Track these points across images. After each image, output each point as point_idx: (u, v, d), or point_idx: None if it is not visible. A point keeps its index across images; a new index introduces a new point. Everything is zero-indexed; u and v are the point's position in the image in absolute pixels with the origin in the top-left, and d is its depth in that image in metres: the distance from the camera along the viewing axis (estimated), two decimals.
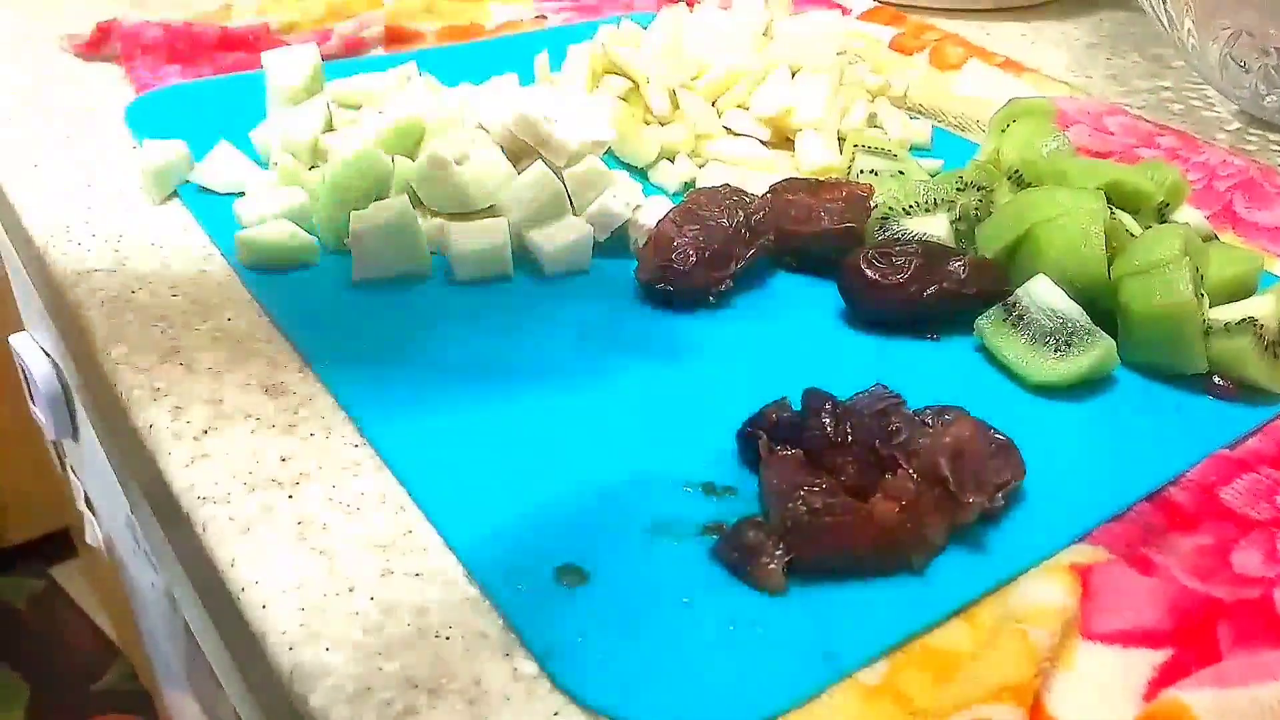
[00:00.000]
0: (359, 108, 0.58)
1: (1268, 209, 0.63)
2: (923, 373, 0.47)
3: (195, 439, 0.41)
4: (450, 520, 0.38)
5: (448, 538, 0.38)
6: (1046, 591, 0.36)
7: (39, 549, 1.59)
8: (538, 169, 0.52)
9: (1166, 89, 0.79)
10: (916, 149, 0.66)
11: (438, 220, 0.52)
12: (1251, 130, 0.74)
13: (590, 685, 0.33)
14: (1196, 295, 0.46)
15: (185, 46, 0.71)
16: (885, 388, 0.42)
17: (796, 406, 0.42)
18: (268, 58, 0.59)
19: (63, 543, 1.54)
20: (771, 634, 0.35)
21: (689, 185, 0.60)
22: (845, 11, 0.86)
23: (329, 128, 0.57)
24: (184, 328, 0.47)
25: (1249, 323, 0.46)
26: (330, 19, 0.78)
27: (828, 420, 0.39)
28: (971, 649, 0.35)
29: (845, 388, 0.42)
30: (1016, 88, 0.75)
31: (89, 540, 0.94)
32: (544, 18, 0.83)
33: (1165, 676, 0.34)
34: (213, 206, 0.56)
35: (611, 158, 0.61)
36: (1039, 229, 0.48)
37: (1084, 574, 0.37)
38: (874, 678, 0.34)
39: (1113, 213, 0.50)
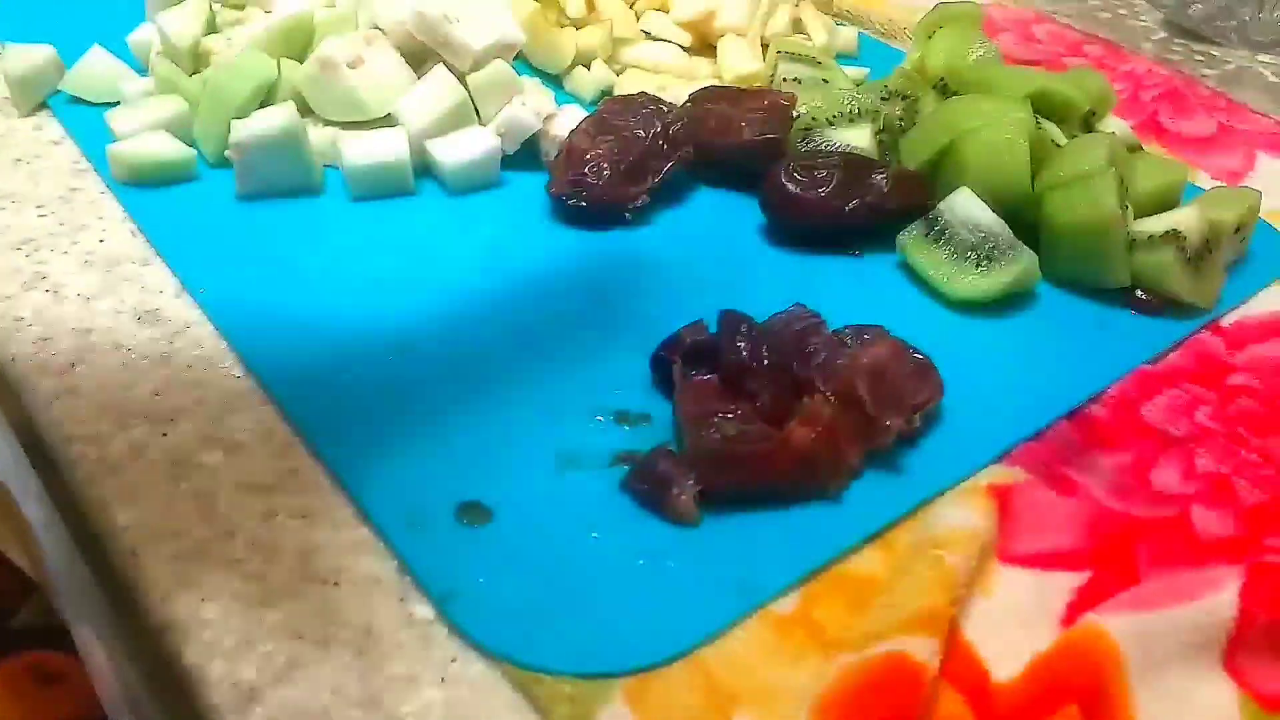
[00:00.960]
0: (244, 7, 0.53)
1: (1191, 120, 0.62)
2: (844, 290, 0.46)
3: (60, 373, 0.38)
4: (342, 457, 0.36)
5: (340, 476, 0.35)
6: (963, 515, 0.35)
7: None
8: (439, 74, 0.48)
9: None
10: (842, 57, 0.63)
11: (330, 130, 0.49)
12: (1176, 41, 0.73)
13: (491, 628, 0.31)
14: (1121, 207, 0.44)
15: None
16: (804, 307, 0.41)
17: (714, 329, 0.40)
18: None
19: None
20: (683, 567, 0.33)
21: (606, 93, 0.57)
22: None
23: (211, 29, 0.52)
24: (52, 250, 0.44)
25: (1172, 235, 0.45)
26: None
27: (743, 344, 0.37)
28: (887, 575, 0.34)
29: (766, 307, 0.41)
30: None
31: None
32: None
33: (1083, 600, 0.34)
34: (86, 117, 0.51)
35: (522, 63, 0.57)
36: (963, 140, 0.47)
37: (1002, 495, 0.36)
38: (788, 607, 0.33)
39: (1039, 123, 0.49)
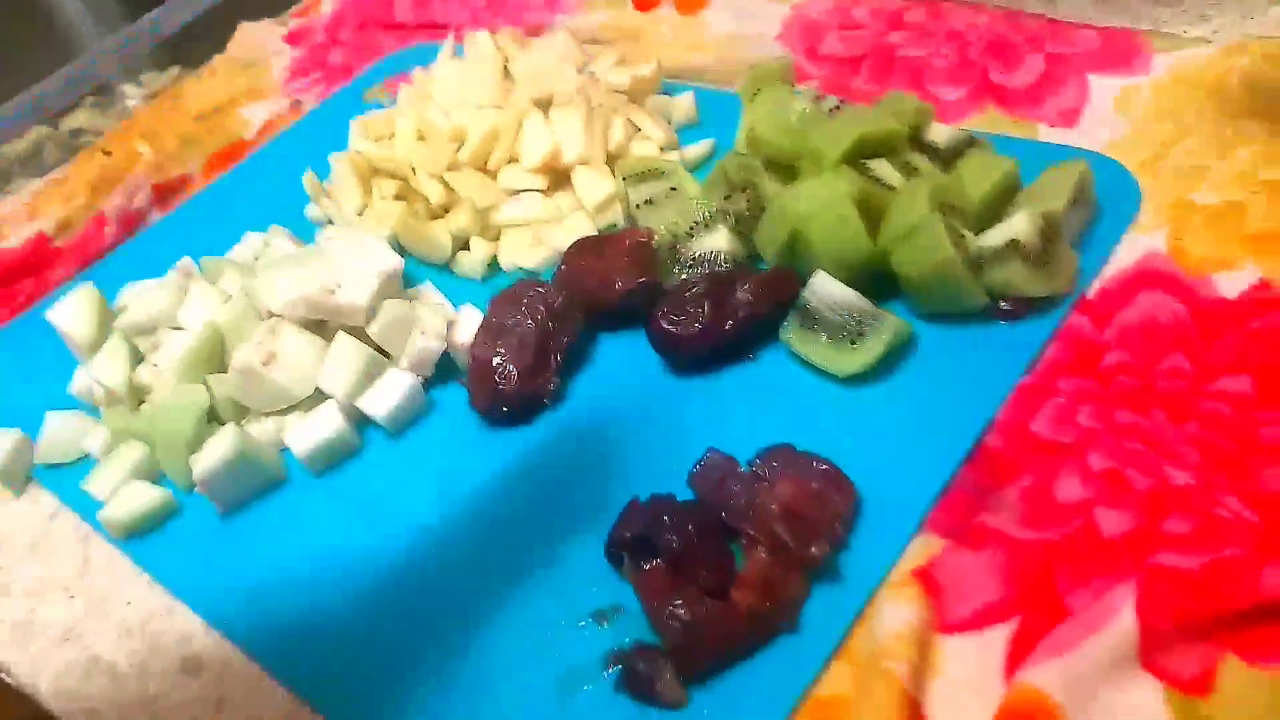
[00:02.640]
0: (154, 330, 0.58)
1: (1020, 68, 0.65)
2: (747, 397, 0.51)
3: None
4: None
5: None
6: (899, 613, 0.41)
7: None
8: (343, 341, 0.53)
9: None
10: (685, 129, 0.67)
11: (271, 420, 0.54)
12: None
13: None
14: (956, 243, 0.49)
15: None
16: (717, 452, 0.46)
17: (648, 493, 0.45)
18: (51, 316, 0.59)
19: None
20: None
21: (493, 264, 0.61)
22: None
23: (137, 359, 0.58)
24: (95, 633, 0.50)
25: (1012, 245, 0.49)
26: (95, 197, 0.77)
27: (671, 536, 0.42)
28: (854, 694, 0.39)
29: (687, 442, 0.47)
30: (759, 10, 0.75)
31: None
32: (298, 103, 0.82)
33: (1017, 650, 0.39)
34: (69, 479, 0.57)
35: (411, 259, 0.62)
36: (803, 226, 0.51)
37: (925, 577, 0.42)
38: None
39: (867, 169, 0.53)
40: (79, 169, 0.79)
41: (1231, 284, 0.50)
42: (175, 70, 1.45)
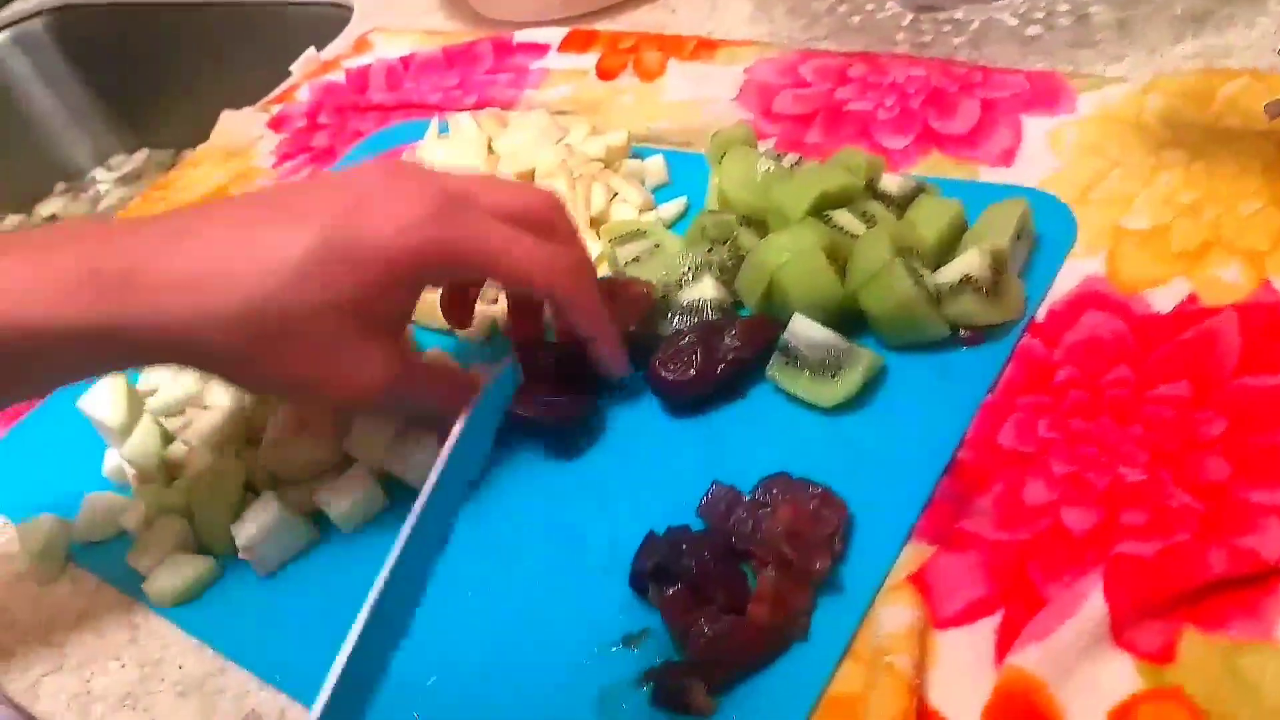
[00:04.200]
0: (183, 411, 0.63)
1: (957, 115, 0.71)
2: (743, 433, 0.56)
3: None
4: None
5: None
6: (898, 615, 0.46)
7: None
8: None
9: (841, 4, 0.87)
10: (658, 190, 0.73)
11: (304, 486, 0.58)
12: (922, 19, 0.82)
13: None
14: (916, 281, 0.54)
15: None
16: (720, 484, 0.51)
17: (663, 525, 0.50)
18: (82, 405, 0.63)
19: None
20: None
21: (494, 330, 0.66)
22: (544, 49, 0.91)
23: (169, 440, 0.62)
24: (150, 695, 0.53)
25: (965, 280, 0.55)
26: None
27: (689, 561, 0.47)
28: (862, 689, 0.44)
29: (691, 477, 0.53)
30: (714, 75, 0.82)
31: None
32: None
33: (1004, 638, 0.44)
34: (106, 556, 0.61)
35: (418, 329, 0.67)
36: (777, 276, 0.57)
37: (919, 580, 0.47)
38: None
39: (829, 220, 0.59)
40: None
41: (1164, 299, 0.55)
42: (145, 153, 1.49)
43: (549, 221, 0.54)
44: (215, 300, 0.46)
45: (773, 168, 0.62)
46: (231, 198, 0.50)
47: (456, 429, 0.53)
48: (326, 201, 0.48)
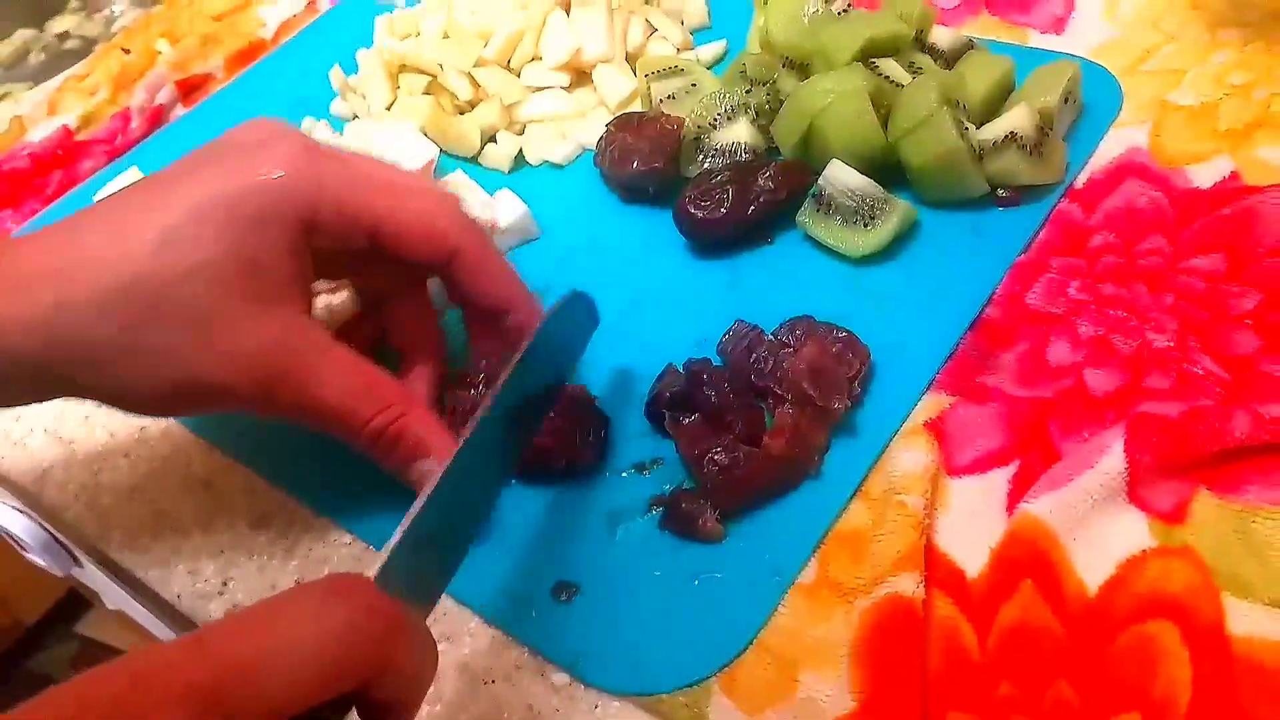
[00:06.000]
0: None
1: None
2: (768, 277, 0.55)
3: (220, 593, 0.49)
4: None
5: (455, 593, 0.46)
6: (912, 457, 0.46)
7: (57, 616, 1.58)
8: None
9: None
10: (697, 33, 0.70)
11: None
12: None
13: (612, 674, 0.42)
14: (961, 134, 0.53)
15: (5, 187, 0.73)
16: (743, 322, 0.51)
17: (680, 360, 0.50)
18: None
19: (77, 600, 1.52)
20: (728, 574, 0.44)
21: (520, 158, 0.65)
22: None
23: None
24: (159, 492, 0.54)
25: (1011, 138, 0.54)
26: (118, 90, 0.79)
27: (709, 391, 0.47)
28: (871, 524, 0.45)
29: (712, 316, 0.52)
30: None
31: (108, 606, 1.01)
32: (314, 2, 0.84)
33: (1017, 488, 0.45)
34: None
35: (442, 155, 0.65)
36: (818, 120, 0.55)
37: (936, 427, 0.47)
38: (810, 576, 0.44)
39: (875, 68, 0.57)
40: (98, 66, 0.81)
41: (1206, 175, 0.54)
42: None
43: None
44: (80, 288, 0.41)
45: (821, 10, 0.60)
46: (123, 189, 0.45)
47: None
48: (190, 170, 0.44)
